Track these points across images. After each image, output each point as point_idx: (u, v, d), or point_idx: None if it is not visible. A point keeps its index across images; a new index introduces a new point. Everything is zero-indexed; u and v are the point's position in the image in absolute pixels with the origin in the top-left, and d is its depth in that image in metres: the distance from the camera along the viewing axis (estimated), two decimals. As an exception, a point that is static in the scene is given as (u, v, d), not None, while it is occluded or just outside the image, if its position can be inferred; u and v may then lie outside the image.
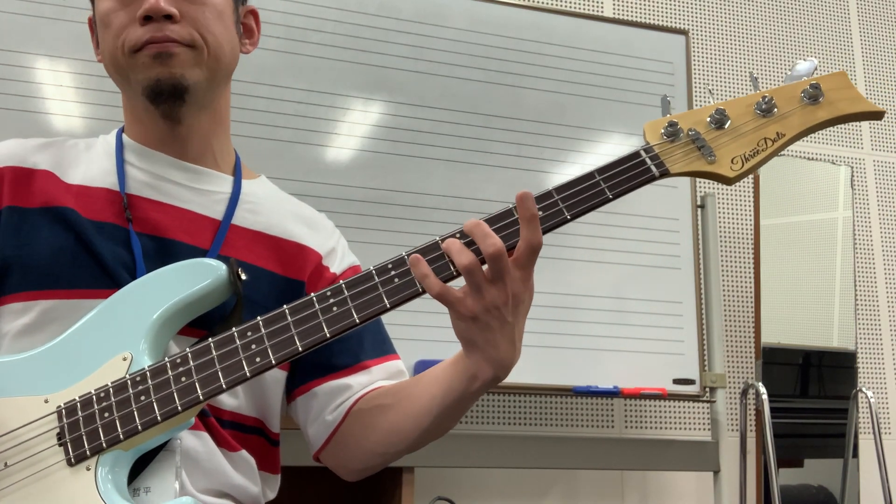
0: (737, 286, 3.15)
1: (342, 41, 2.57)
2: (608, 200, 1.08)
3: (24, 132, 2.19)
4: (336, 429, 1.25)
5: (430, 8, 2.69)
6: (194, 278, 1.10)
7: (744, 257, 3.17)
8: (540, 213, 1.05)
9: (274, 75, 2.45)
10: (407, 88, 2.62)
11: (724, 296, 3.09)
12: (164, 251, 1.16)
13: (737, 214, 3.21)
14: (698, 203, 2.86)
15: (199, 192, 1.24)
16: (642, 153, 1.10)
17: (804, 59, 1.15)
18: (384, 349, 1.32)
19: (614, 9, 3.23)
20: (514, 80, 2.74)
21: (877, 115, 1.12)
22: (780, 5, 3.49)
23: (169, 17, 1.16)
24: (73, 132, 2.26)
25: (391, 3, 2.65)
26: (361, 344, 1.29)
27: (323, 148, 2.50)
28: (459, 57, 2.69)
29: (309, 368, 1.27)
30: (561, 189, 1.07)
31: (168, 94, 1.18)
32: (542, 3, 3.07)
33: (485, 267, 1.02)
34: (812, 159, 3.24)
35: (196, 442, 1.12)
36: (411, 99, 2.62)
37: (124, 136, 1.27)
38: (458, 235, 1.05)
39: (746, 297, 3.12)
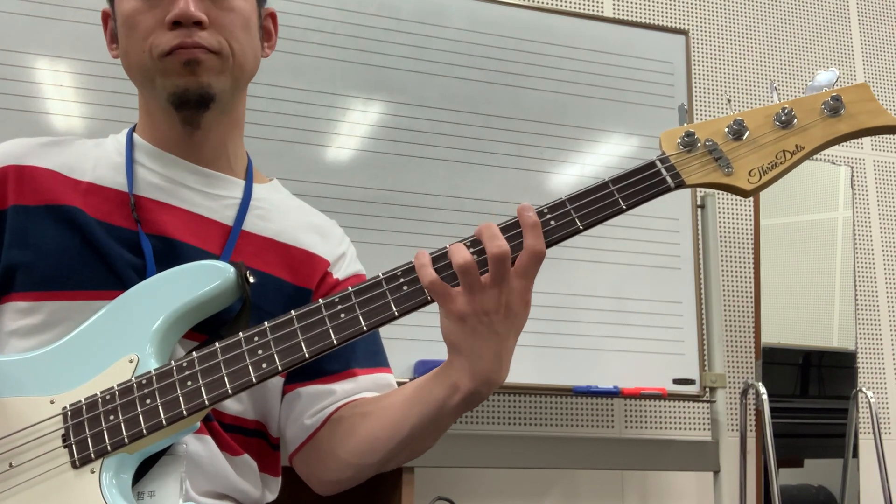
0: (737, 286, 3.15)
1: (342, 41, 2.57)
2: (622, 211, 1.05)
3: (24, 132, 2.17)
4: (313, 434, 1.23)
5: (430, 8, 2.69)
6: (202, 280, 1.09)
7: (744, 257, 3.17)
8: (552, 222, 1.03)
9: (274, 75, 2.44)
10: (407, 88, 2.62)
11: (724, 296, 3.09)
12: (174, 254, 1.15)
13: (737, 214, 3.21)
14: (698, 203, 2.86)
15: (210, 196, 1.23)
16: (658, 163, 1.08)
17: (825, 69, 1.12)
18: (376, 360, 1.30)
19: (614, 9, 3.22)
20: (514, 80, 2.73)
21: None
22: (780, 5, 3.49)
23: (198, 23, 1.15)
24: (73, 132, 2.26)
25: (391, 3, 2.64)
26: (354, 351, 1.26)
27: (323, 148, 2.49)
28: (459, 57, 2.69)
29: (298, 370, 1.23)
30: (574, 199, 1.05)
31: (194, 102, 1.18)
32: (542, 3, 3.07)
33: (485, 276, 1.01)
34: (812, 159, 3.24)
35: (199, 445, 1.11)
36: (411, 99, 2.62)
37: (136, 136, 1.26)
38: (467, 244, 1.03)
39: (746, 297, 3.12)
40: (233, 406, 1.17)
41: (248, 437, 1.20)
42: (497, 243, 0.99)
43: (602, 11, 3.20)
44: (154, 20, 1.16)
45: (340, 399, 1.23)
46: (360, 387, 1.25)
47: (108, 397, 1.02)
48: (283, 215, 1.29)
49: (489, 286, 1.00)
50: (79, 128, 2.27)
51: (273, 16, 1.33)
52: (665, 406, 2.96)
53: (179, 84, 1.16)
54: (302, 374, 1.25)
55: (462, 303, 1.01)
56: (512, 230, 1.03)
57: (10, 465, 1.00)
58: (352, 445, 1.19)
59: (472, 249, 1.02)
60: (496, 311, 1.01)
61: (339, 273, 1.30)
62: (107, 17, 1.28)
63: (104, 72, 2.28)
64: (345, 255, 1.33)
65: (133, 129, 1.28)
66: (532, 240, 1.01)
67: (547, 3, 3.08)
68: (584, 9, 3.16)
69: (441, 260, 1.03)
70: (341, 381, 1.24)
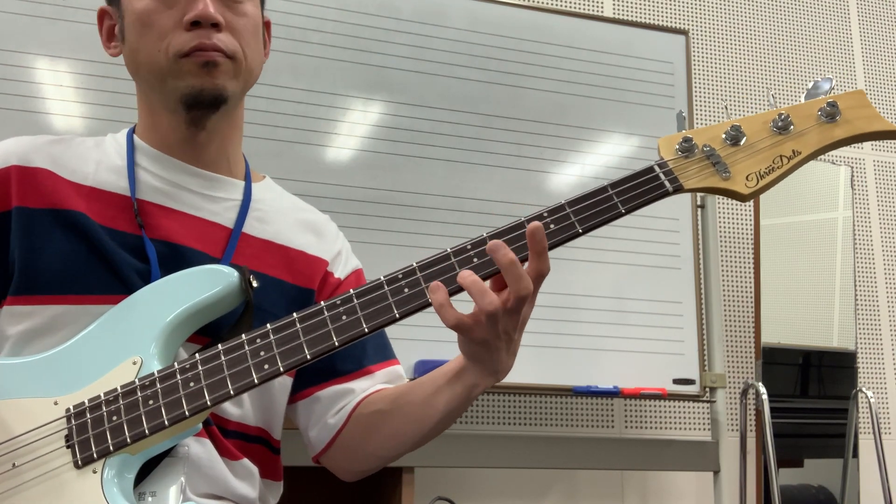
0: (737, 286, 3.15)
1: (342, 41, 2.57)
2: (621, 215, 1.07)
3: (24, 132, 2.17)
4: (338, 432, 1.26)
5: (430, 8, 2.69)
6: (206, 284, 1.10)
7: (744, 257, 3.17)
8: (552, 225, 1.05)
9: (274, 75, 2.44)
10: (407, 88, 2.62)
11: (724, 296, 3.10)
12: (179, 259, 1.16)
13: (737, 214, 3.22)
14: (698, 203, 2.86)
15: (211, 199, 1.24)
16: (656, 168, 1.10)
17: (822, 77, 1.15)
18: (386, 354, 1.34)
19: (614, 9, 3.23)
20: (514, 80, 2.74)
21: (894, 135, 1.11)
22: (781, 5, 3.49)
23: (215, 25, 1.15)
24: (73, 132, 2.26)
25: (391, 3, 2.65)
26: (364, 349, 1.30)
27: (323, 148, 2.50)
28: (459, 57, 2.69)
29: (313, 374, 1.27)
30: (573, 203, 1.07)
31: (208, 103, 1.18)
32: (542, 3, 3.07)
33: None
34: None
35: (199, 448, 1.12)
36: (411, 99, 2.62)
37: (136, 138, 1.26)
38: (468, 247, 1.05)
39: (746, 297, 3.12)
40: (235, 411, 1.18)
41: (250, 444, 1.21)
42: (524, 284, 1.00)
43: (602, 11, 3.20)
44: (171, 20, 1.16)
45: (359, 395, 1.27)
46: (375, 382, 1.29)
47: (111, 398, 1.03)
48: (279, 216, 1.30)
49: (510, 312, 1.02)
50: (79, 128, 2.27)
51: (268, 24, 1.33)
52: (665, 406, 2.97)
53: (195, 85, 1.16)
54: (317, 376, 1.27)
55: (483, 331, 1.03)
56: (513, 232, 1.05)
57: (14, 465, 1.01)
58: (377, 441, 1.24)
59: (472, 252, 1.04)
60: (514, 328, 1.05)
61: (339, 272, 1.32)
62: (104, 15, 1.26)
63: (104, 72, 2.28)
64: (341, 252, 1.34)
65: (132, 131, 1.27)
66: (540, 263, 1.02)
67: (547, 3, 3.09)
68: (584, 9, 3.17)
69: (440, 262, 1.05)
70: (358, 379, 1.28)
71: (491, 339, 1.04)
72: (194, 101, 1.18)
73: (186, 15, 1.15)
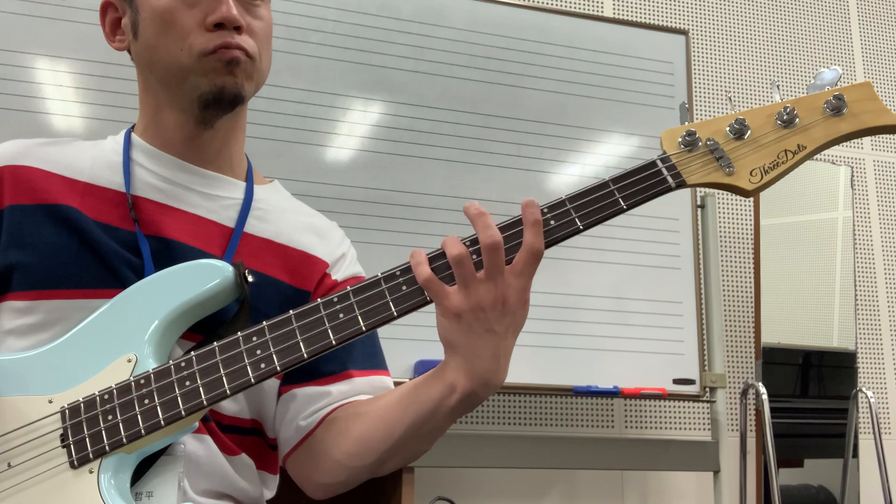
0: (737, 286, 3.15)
1: (342, 41, 2.57)
2: (622, 211, 1.04)
3: (24, 132, 2.19)
4: (307, 435, 1.21)
5: (430, 8, 2.69)
6: (201, 279, 1.09)
7: (744, 257, 3.17)
8: (552, 221, 1.03)
9: (274, 75, 2.43)
10: (407, 88, 2.62)
11: (724, 296, 3.09)
12: (173, 255, 1.14)
13: (737, 214, 3.21)
14: (698, 203, 2.86)
15: (209, 197, 1.23)
16: (659, 163, 1.06)
17: (828, 68, 1.10)
18: (374, 363, 1.28)
19: (614, 9, 3.22)
20: (514, 80, 2.73)
21: None
22: (780, 5, 3.49)
23: (237, 28, 1.16)
24: (73, 132, 2.26)
25: (391, 3, 2.64)
26: (350, 353, 1.25)
27: (323, 148, 2.49)
28: (459, 57, 2.69)
29: (294, 371, 1.21)
30: (574, 198, 1.04)
31: (226, 102, 1.18)
32: (542, 3, 3.06)
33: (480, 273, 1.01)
34: (812, 159, 3.23)
35: (197, 445, 1.11)
36: (411, 99, 2.62)
37: (134, 136, 1.25)
38: (466, 244, 1.02)
39: (746, 297, 3.12)
40: (229, 406, 1.17)
41: (245, 437, 1.20)
42: (489, 233, 0.99)
43: (602, 11, 3.20)
44: (193, 20, 1.16)
45: (336, 401, 1.22)
46: (356, 389, 1.23)
47: (106, 397, 1.02)
48: (282, 216, 1.29)
49: (484, 280, 1.00)
50: (79, 128, 2.27)
51: None
52: (665, 406, 2.96)
53: (217, 83, 1.16)
54: (298, 375, 1.23)
55: (458, 299, 1.00)
56: (512, 229, 1.02)
57: (9, 464, 1.00)
58: (346, 446, 1.17)
59: (470, 249, 1.02)
60: (492, 307, 1.00)
61: (337, 274, 1.29)
62: (108, 6, 1.25)
63: (104, 72, 2.28)
64: (344, 255, 1.32)
65: (131, 129, 1.27)
66: (531, 237, 1.00)
67: (547, 3, 3.08)
68: (584, 9, 3.16)
69: (438, 259, 1.03)
70: (337, 382, 1.23)
71: (465, 311, 1.00)
72: (213, 99, 1.17)
73: (209, 16, 1.15)
